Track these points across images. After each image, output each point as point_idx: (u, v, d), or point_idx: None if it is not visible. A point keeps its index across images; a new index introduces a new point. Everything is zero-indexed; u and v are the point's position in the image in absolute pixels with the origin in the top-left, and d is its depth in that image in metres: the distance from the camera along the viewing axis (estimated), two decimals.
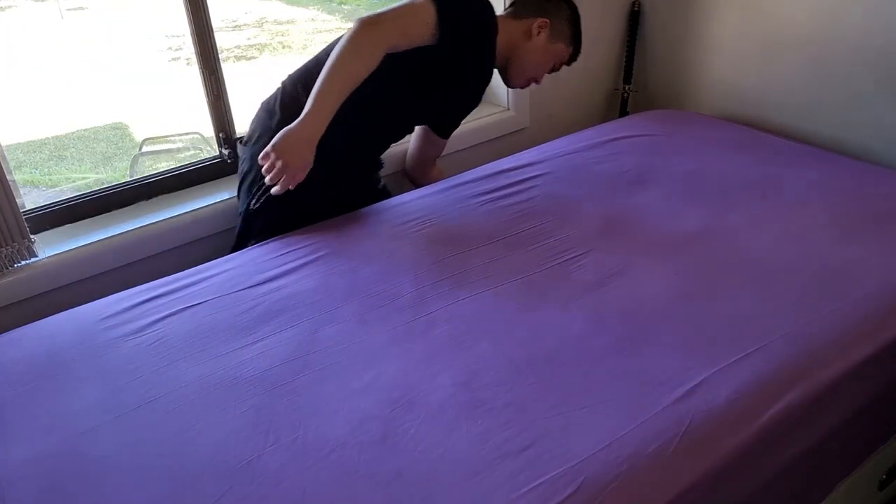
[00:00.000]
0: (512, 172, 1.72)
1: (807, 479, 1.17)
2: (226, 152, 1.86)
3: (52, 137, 3.88)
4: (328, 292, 1.32)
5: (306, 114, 1.36)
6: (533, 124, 2.28)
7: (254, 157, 1.51)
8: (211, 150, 1.92)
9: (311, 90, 1.40)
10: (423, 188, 1.71)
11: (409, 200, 1.64)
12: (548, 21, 1.64)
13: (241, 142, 1.66)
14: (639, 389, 1.04)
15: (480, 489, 0.90)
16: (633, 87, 2.41)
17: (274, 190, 1.39)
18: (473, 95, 1.63)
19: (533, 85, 1.75)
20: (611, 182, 1.67)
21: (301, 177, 1.38)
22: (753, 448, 1.00)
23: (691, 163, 1.74)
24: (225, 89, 1.81)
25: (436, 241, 1.46)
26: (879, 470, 1.40)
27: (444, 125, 1.69)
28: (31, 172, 3.61)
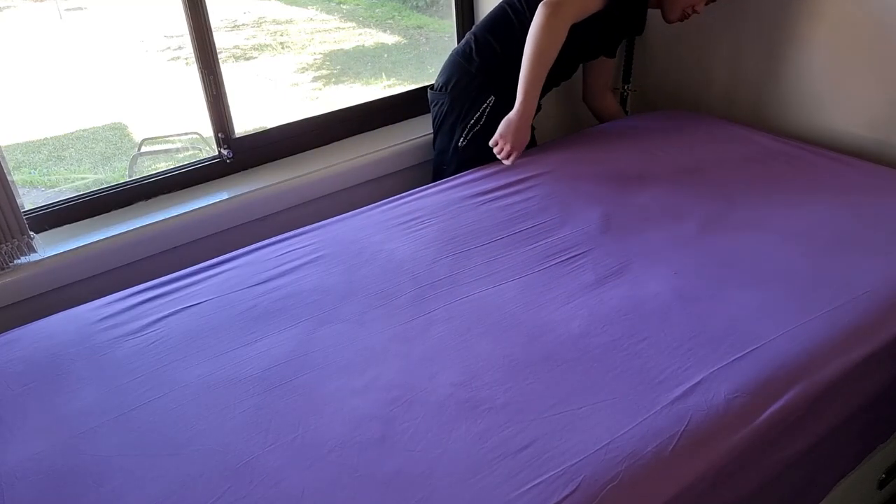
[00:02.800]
0: (511, 172, 1.73)
1: (806, 477, 1.17)
2: (225, 152, 1.86)
3: (51, 138, 3.87)
4: (327, 292, 1.32)
5: (520, 102, 1.70)
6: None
7: (454, 100, 1.87)
8: (210, 151, 1.92)
9: (499, 37, 1.81)
10: (419, 189, 1.71)
11: (417, 196, 1.65)
12: None
13: (431, 88, 1.95)
14: (638, 388, 1.04)
15: (479, 488, 0.90)
16: (633, 87, 2.41)
17: (505, 162, 1.76)
18: (634, 27, 1.93)
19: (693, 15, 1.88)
20: (610, 182, 1.67)
21: (521, 150, 1.76)
22: (752, 447, 1.00)
23: (691, 162, 1.74)
24: (224, 89, 1.81)
25: (435, 240, 1.46)
26: (878, 469, 1.41)
27: (608, 50, 1.99)
28: (29, 173, 3.61)
